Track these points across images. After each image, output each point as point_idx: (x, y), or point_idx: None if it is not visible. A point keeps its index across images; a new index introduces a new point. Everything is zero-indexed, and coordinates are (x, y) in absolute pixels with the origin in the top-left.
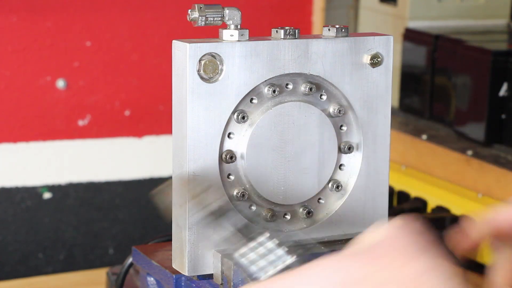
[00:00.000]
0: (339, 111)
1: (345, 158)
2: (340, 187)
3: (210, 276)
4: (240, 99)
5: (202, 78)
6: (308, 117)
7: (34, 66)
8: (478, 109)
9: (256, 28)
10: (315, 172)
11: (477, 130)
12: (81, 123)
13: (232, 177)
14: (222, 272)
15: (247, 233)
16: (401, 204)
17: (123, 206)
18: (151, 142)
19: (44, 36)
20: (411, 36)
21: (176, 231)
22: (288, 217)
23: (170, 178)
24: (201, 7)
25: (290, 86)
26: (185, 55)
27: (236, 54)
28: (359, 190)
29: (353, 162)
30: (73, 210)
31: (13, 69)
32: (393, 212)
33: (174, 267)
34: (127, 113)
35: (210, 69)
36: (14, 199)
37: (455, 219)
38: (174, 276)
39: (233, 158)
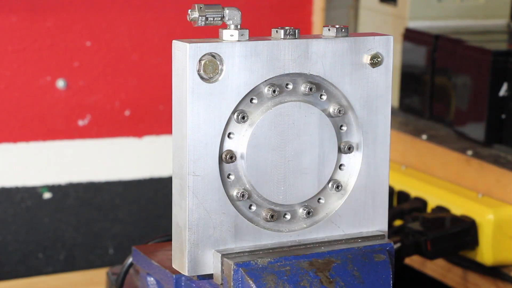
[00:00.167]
0: (339, 111)
1: (345, 158)
2: (340, 187)
3: (210, 276)
4: (240, 99)
5: (202, 78)
6: (308, 117)
7: (34, 66)
8: (478, 109)
9: (256, 28)
10: (315, 172)
11: (477, 130)
12: (81, 123)
13: (232, 177)
14: (222, 272)
15: None
16: (401, 204)
17: (123, 206)
18: (151, 142)
19: (44, 36)
20: (411, 36)
21: (176, 231)
22: (288, 217)
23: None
24: (201, 7)
25: (290, 86)
26: (185, 55)
27: (236, 54)
28: (359, 190)
29: (353, 162)
30: (73, 210)
31: (13, 69)
32: (393, 212)
33: (174, 267)
34: (127, 113)
35: (210, 69)
36: (14, 199)
37: (455, 219)
38: (174, 276)
39: (233, 158)
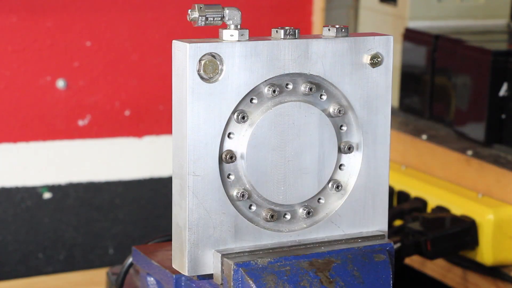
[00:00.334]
0: (339, 111)
1: (345, 158)
2: (340, 187)
3: (210, 276)
4: (240, 99)
5: (202, 78)
6: (308, 117)
7: (34, 66)
8: (478, 109)
9: (256, 28)
10: (315, 172)
11: (477, 130)
12: (81, 123)
13: (232, 177)
14: (222, 272)
15: None
16: (401, 204)
17: (123, 206)
18: (151, 142)
19: (44, 36)
20: (411, 36)
21: (176, 231)
22: (288, 217)
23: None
24: (201, 7)
25: (290, 86)
26: (185, 55)
27: (236, 54)
28: (359, 190)
29: (353, 162)
30: (73, 210)
31: (13, 69)
32: (393, 212)
33: (174, 267)
34: (127, 113)
35: (210, 69)
36: (14, 199)
37: (455, 219)
38: (174, 276)
39: (233, 158)
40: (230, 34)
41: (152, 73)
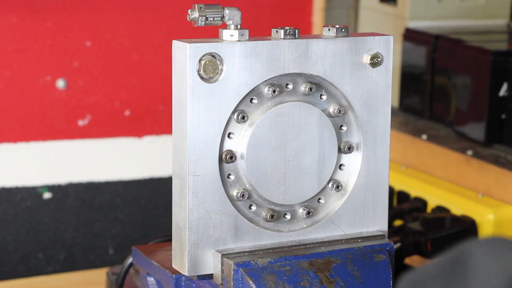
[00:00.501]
0: (339, 111)
1: (345, 158)
2: (340, 187)
3: (210, 276)
4: (240, 99)
5: (202, 78)
6: (308, 117)
7: (34, 66)
8: (478, 109)
9: (256, 28)
10: (315, 172)
11: (477, 130)
12: (81, 123)
13: (232, 177)
14: (222, 272)
15: None
16: (401, 204)
17: (123, 206)
18: (151, 142)
19: (44, 36)
20: (411, 36)
21: (176, 231)
22: (288, 217)
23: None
24: (201, 7)
25: (290, 86)
26: (185, 55)
27: (236, 54)
28: (359, 190)
29: (353, 162)
30: (73, 210)
31: (13, 69)
32: (393, 212)
33: (174, 267)
34: (127, 113)
35: (210, 69)
36: (14, 199)
37: (455, 219)
38: (174, 276)
39: (233, 158)
40: (230, 34)
41: (152, 73)
